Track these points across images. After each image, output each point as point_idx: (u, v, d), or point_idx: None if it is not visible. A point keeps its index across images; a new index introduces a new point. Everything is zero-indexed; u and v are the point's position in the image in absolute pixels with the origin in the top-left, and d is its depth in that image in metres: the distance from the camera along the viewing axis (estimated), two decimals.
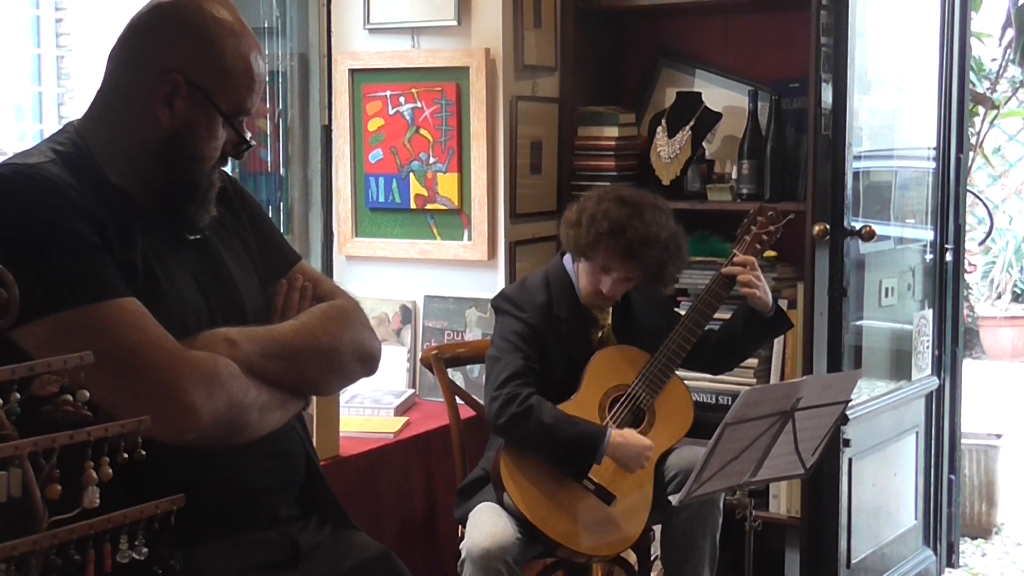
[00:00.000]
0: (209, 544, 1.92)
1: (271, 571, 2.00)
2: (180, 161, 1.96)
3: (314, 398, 3.16)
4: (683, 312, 3.44)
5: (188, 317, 1.94)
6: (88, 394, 1.40)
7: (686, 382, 3.42)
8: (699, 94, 4.15)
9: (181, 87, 1.93)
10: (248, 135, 2.03)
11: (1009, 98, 8.04)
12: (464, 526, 3.20)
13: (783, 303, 3.89)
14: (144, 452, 1.43)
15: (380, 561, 2.16)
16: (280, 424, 2.00)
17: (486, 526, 3.07)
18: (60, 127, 2.05)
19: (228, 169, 2.21)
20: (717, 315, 3.33)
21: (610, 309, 3.38)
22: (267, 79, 4.06)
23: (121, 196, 1.94)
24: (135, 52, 1.97)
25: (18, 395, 1.34)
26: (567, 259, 3.36)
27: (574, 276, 3.34)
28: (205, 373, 1.83)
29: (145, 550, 1.39)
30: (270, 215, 4.11)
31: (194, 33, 1.94)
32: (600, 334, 3.36)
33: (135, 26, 1.98)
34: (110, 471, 1.38)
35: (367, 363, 2.15)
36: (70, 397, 1.39)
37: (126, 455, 1.41)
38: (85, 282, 1.79)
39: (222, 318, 1.99)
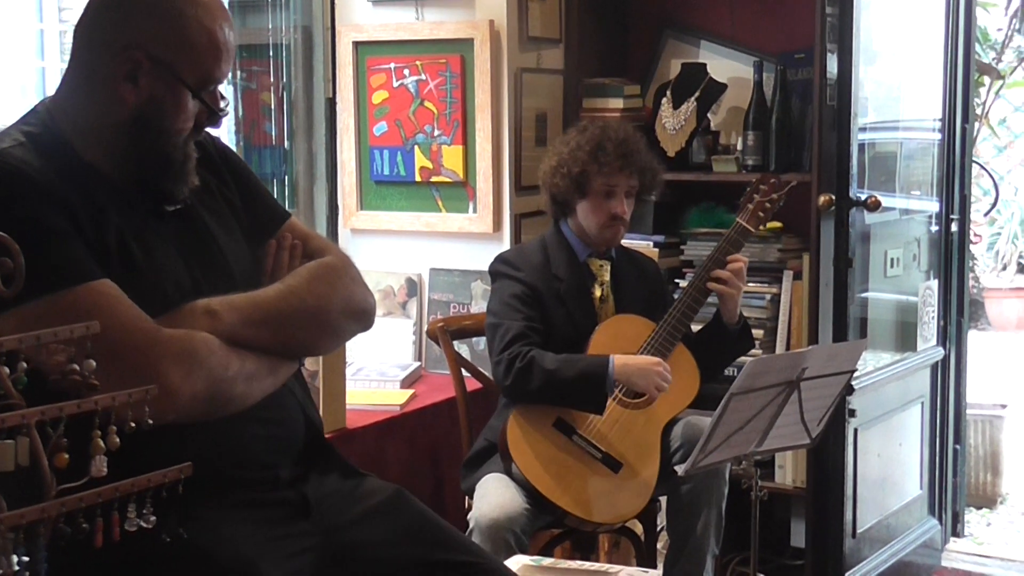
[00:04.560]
0: (215, 505, 1.90)
1: (284, 524, 1.98)
2: (150, 137, 1.92)
3: (320, 361, 3.15)
4: (682, 284, 3.45)
5: (169, 290, 1.91)
6: (95, 364, 1.40)
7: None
8: (704, 65, 4.14)
9: (143, 64, 1.89)
10: (223, 103, 1.99)
11: (1015, 68, 7.99)
12: (471, 497, 3.21)
13: (788, 273, 3.90)
14: (151, 422, 1.43)
15: (394, 500, 2.12)
16: (273, 389, 1.97)
17: (494, 496, 3.08)
18: (32, 107, 2.01)
19: (234, 144, 2.18)
20: None
21: (608, 266, 3.40)
22: (273, 48, 4.09)
23: (94, 174, 1.91)
24: (96, 29, 1.94)
25: (25, 364, 1.35)
26: (563, 225, 3.42)
27: (572, 239, 3.39)
28: (181, 352, 1.80)
29: (153, 518, 1.40)
30: (274, 189, 4.11)
31: (154, 7, 1.91)
32: (600, 292, 3.38)
33: (95, 2, 1.95)
34: (118, 440, 1.38)
35: (360, 319, 2.11)
36: (76, 367, 1.39)
37: (133, 424, 1.41)
38: (51, 270, 1.76)
39: (209, 286, 1.96)
